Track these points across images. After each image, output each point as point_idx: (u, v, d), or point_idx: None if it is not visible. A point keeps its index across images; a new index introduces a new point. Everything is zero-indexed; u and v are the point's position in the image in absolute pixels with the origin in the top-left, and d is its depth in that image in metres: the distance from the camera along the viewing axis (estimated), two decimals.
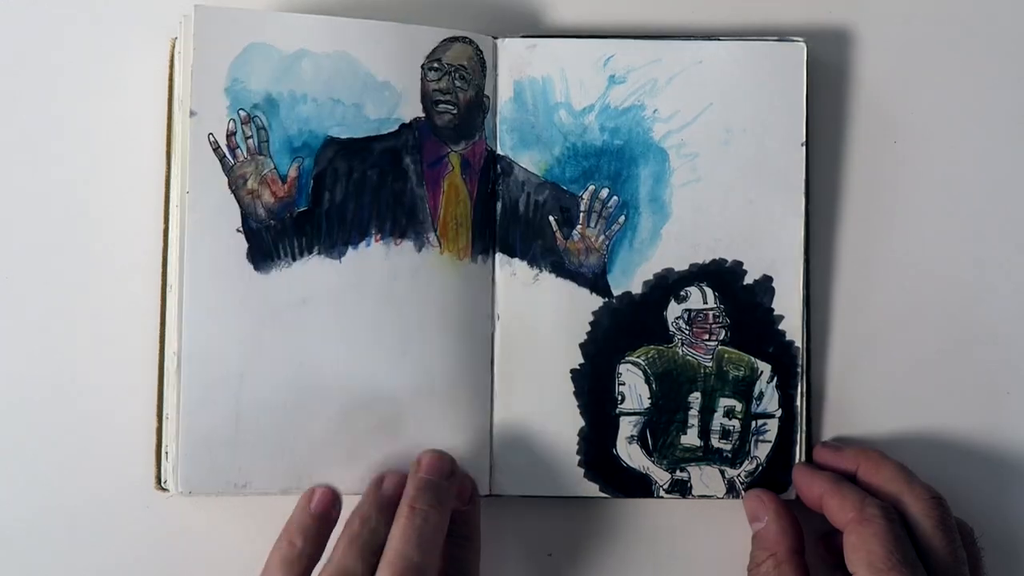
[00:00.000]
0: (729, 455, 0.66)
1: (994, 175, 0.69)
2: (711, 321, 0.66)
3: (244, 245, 0.63)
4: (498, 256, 0.66)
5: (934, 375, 0.68)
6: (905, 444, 0.67)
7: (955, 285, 0.68)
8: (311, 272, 0.63)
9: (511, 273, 0.66)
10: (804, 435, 0.66)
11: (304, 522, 0.60)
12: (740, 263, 0.66)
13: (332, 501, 0.61)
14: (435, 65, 0.65)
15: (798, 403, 0.66)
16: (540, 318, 0.66)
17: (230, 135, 0.63)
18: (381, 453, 0.64)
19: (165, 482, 0.63)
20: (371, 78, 0.64)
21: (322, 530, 0.60)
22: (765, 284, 0.66)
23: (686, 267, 0.66)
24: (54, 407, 0.66)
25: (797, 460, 0.66)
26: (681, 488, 0.65)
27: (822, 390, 0.67)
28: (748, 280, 0.66)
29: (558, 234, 0.66)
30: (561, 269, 0.66)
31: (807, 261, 0.66)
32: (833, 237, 0.68)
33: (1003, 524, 0.67)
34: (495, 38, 0.66)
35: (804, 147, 0.66)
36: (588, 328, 0.66)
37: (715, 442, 0.66)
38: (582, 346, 0.66)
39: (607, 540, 0.67)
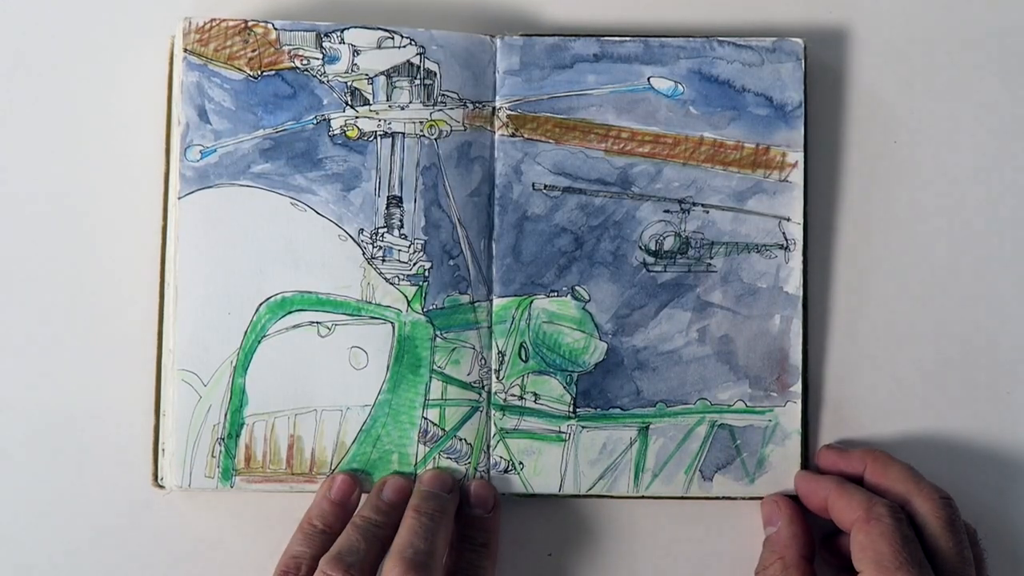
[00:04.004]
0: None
1: (994, 175, 0.68)
2: None
3: None
4: None
5: (934, 376, 0.67)
6: (906, 446, 0.66)
7: (955, 285, 0.68)
8: None
9: None
10: (803, 440, 0.66)
11: (323, 508, 0.62)
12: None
13: (351, 488, 0.63)
14: None
15: (799, 408, 0.66)
16: None
17: None
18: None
19: (162, 479, 0.64)
20: None
21: (340, 515, 0.62)
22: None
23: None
24: (52, 405, 0.66)
25: (799, 466, 0.65)
26: None
27: (822, 393, 0.67)
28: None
29: None
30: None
31: (805, 262, 0.66)
32: (833, 238, 0.68)
33: (1006, 525, 0.66)
34: (493, 37, 0.67)
35: (803, 148, 0.66)
36: None
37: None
38: None
39: (607, 540, 0.66)
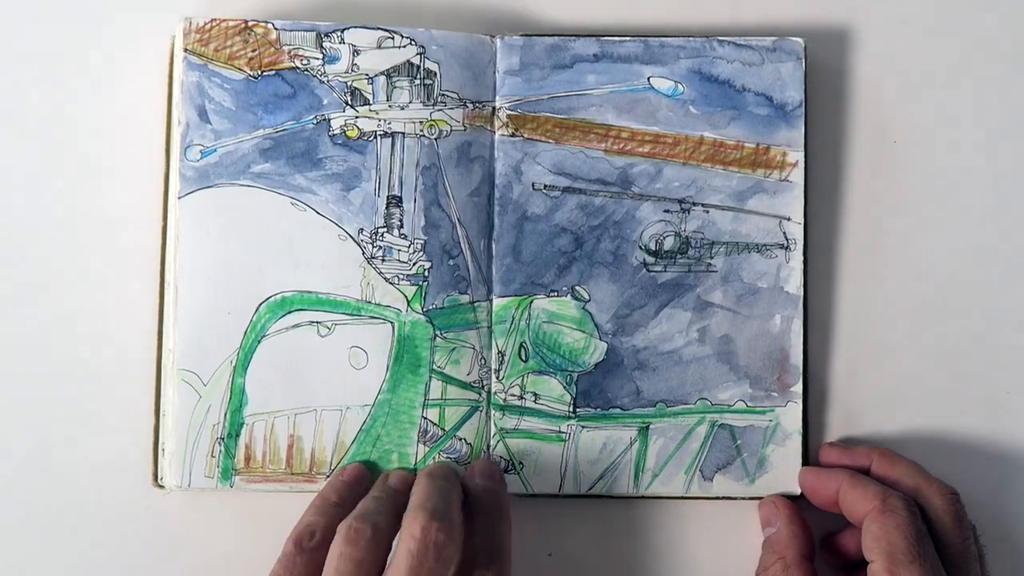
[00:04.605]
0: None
1: (994, 175, 0.68)
2: None
3: None
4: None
5: (934, 376, 0.67)
6: (905, 445, 0.66)
7: (955, 285, 0.68)
8: None
9: None
10: (804, 440, 0.66)
11: (337, 484, 0.62)
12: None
13: (362, 474, 0.63)
14: None
15: (799, 408, 0.65)
16: None
17: None
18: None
19: (162, 479, 0.64)
20: None
21: (355, 490, 0.62)
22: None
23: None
24: (52, 405, 0.66)
25: (799, 466, 0.65)
26: None
27: (823, 393, 0.67)
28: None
29: None
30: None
31: (806, 262, 0.66)
32: (833, 238, 0.68)
33: (1004, 522, 0.67)
34: (493, 37, 0.67)
35: (804, 147, 0.66)
36: None
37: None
38: None
39: (607, 540, 0.66)
